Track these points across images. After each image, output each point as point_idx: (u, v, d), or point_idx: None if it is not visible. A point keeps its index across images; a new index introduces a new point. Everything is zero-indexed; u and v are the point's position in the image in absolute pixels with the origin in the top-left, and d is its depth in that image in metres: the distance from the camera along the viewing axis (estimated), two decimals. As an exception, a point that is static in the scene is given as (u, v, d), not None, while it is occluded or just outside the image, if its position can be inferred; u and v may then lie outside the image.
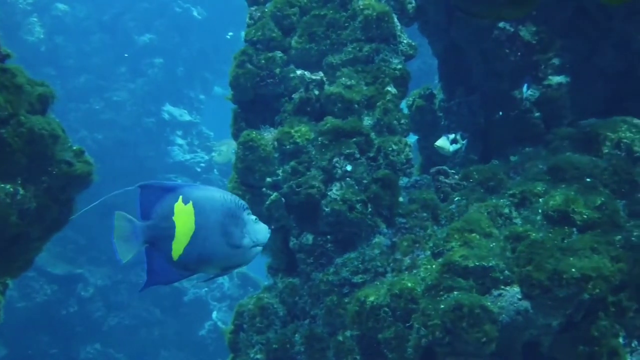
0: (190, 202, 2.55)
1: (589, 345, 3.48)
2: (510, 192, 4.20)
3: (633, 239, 3.69)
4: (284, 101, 4.76)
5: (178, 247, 2.53)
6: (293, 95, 4.73)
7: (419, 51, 5.28)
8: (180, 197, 2.55)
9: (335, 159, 4.42)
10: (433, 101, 5.97)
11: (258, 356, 4.37)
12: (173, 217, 2.53)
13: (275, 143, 4.56)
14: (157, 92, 14.78)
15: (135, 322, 12.56)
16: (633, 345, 3.62)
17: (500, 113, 5.26)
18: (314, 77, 4.70)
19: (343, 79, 4.70)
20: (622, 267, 3.50)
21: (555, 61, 5.09)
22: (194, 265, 2.60)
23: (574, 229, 3.78)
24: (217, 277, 2.82)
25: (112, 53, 14.68)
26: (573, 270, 3.42)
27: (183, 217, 2.54)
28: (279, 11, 4.89)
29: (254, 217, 2.70)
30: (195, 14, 16.44)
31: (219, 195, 2.63)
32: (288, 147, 4.51)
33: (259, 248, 2.72)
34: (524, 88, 5.02)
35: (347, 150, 4.43)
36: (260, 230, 2.70)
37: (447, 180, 4.67)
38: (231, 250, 2.63)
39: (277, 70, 4.77)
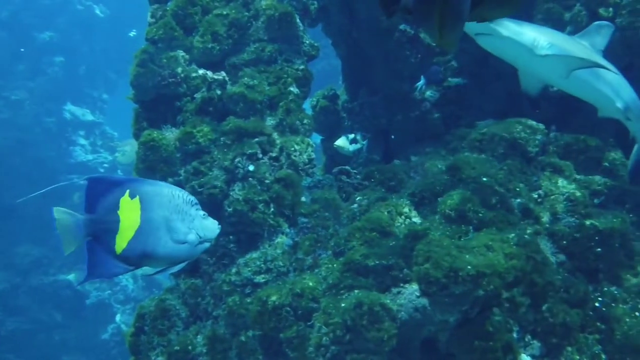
0: (137, 197, 2.57)
1: (484, 340, 3.56)
2: (410, 191, 4.27)
3: (526, 236, 3.80)
4: (186, 101, 4.71)
5: (122, 241, 2.56)
6: (195, 95, 4.69)
7: (323, 52, 5.32)
8: (128, 191, 2.57)
9: (237, 159, 4.40)
10: (337, 102, 6.02)
11: (159, 358, 4.30)
12: (118, 211, 2.55)
13: (177, 143, 4.51)
14: (58, 91, 14.45)
15: (35, 327, 12.24)
16: (526, 339, 3.73)
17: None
18: (216, 77, 4.67)
19: (245, 79, 4.69)
20: (515, 264, 3.60)
21: (454, 63, 5.21)
22: (137, 260, 2.62)
23: (471, 228, 3.87)
24: (164, 271, 2.80)
25: (10, 51, 14.25)
26: (469, 267, 3.49)
27: (128, 211, 2.56)
28: (181, 10, 4.84)
29: (202, 212, 2.72)
30: (97, 12, 16.16)
31: (167, 191, 2.65)
32: (190, 147, 4.47)
33: (207, 244, 2.75)
34: (421, 82, 5.10)
35: (250, 150, 4.42)
36: (208, 226, 2.73)
37: (349, 180, 4.72)
38: (176, 246, 2.66)
39: (179, 70, 4.72)
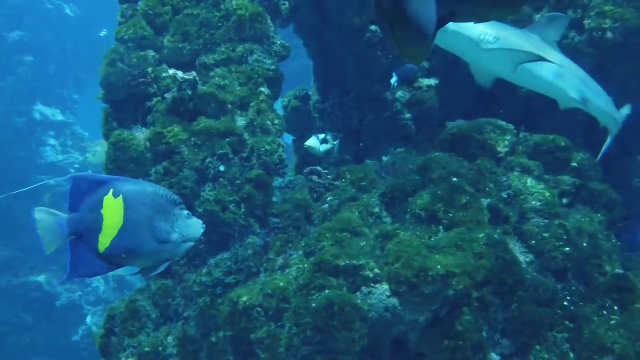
0: (121, 196, 2.59)
1: (453, 340, 3.58)
2: (381, 191, 4.29)
3: (496, 236, 3.83)
4: (156, 101, 4.69)
5: (105, 240, 2.57)
6: (165, 95, 4.67)
7: (295, 52, 5.32)
8: (111, 190, 2.58)
9: (208, 159, 4.39)
10: (308, 102, 6.03)
11: (130, 359, 4.29)
12: (102, 210, 2.57)
13: (148, 143, 4.49)
14: (28, 90, 14.32)
15: (5, 329, 12.13)
16: (496, 338, 3.76)
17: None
18: (186, 77, 4.65)
19: (216, 79, 4.68)
20: (485, 264, 3.63)
21: (425, 64, 5.23)
22: (120, 259, 2.63)
23: (441, 227, 3.89)
24: (153, 271, 2.82)
25: (-23, 50, 14.13)
26: (438, 267, 3.51)
27: (112, 210, 2.57)
28: (151, 9, 4.82)
29: (186, 212, 2.74)
30: (67, 11, 16.03)
31: (151, 190, 2.68)
32: (160, 147, 4.45)
33: (190, 243, 2.77)
34: (393, 79, 5.11)
35: (220, 151, 4.41)
36: (191, 226, 2.76)
37: (320, 180, 4.72)
38: (159, 245, 2.67)
39: (149, 70, 4.70)
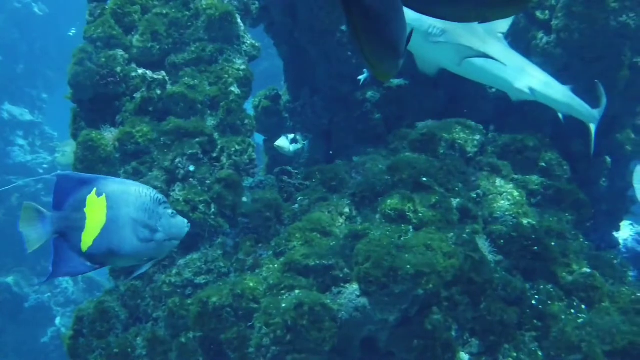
0: (104, 195, 2.61)
1: (423, 339, 3.60)
2: (351, 191, 4.29)
3: (465, 236, 3.85)
4: (125, 100, 4.65)
5: (88, 239, 2.59)
6: (135, 95, 4.63)
7: (267, 52, 5.31)
8: (95, 189, 2.61)
9: (177, 160, 4.37)
10: (279, 102, 6.02)
11: (98, 361, 4.25)
12: (85, 209, 2.59)
13: (117, 143, 4.46)
14: (-4, 90, 14.17)
15: (-28, 331, 11.99)
16: (465, 337, 3.78)
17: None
18: (156, 77, 4.63)
19: (186, 78, 4.66)
20: (454, 263, 3.64)
21: (395, 64, 5.24)
22: (103, 258, 2.66)
23: (410, 227, 3.90)
24: (142, 270, 2.84)
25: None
26: (408, 266, 3.52)
27: (95, 209, 2.60)
28: (120, 9, 4.78)
29: (170, 211, 2.77)
30: (36, 10, 15.89)
31: (135, 189, 2.69)
32: (129, 147, 4.42)
33: (175, 242, 2.82)
34: (364, 75, 5.11)
35: (190, 151, 4.39)
36: (175, 225, 2.79)
37: (290, 181, 4.72)
38: (142, 244, 2.70)
39: (118, 69, 4.66)
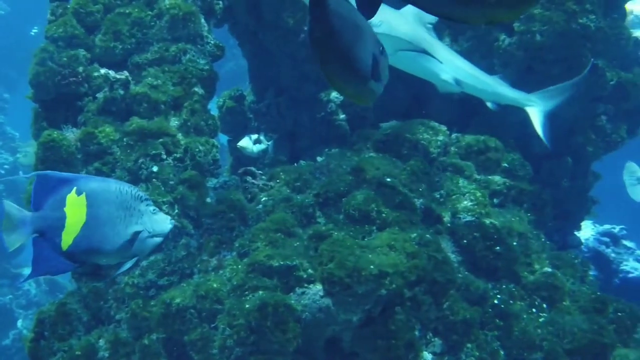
0: (84, 194, 2.62)
1: (386, 339, 3.62)
2: (315, 192, 4.29)
3: (428, 236, 3.88)
4: (87, 101, 4.61)
5: (67, 238, 2.61)
6: (97, 95, 4.59)
7: (231, 53, 5.29)
8: (75, 188, 2.62)
9: (141, 160, 4.34)
10: (243, 102, 6.01)
11: (60, 364, 4.21)
12: (65, 208, 2.60)
13: (79, 144, 4.41)
14: (-44, 90, 13.97)
15: None
16: (428, 337, 3.80)
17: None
18: (118, 77, 4.59)
19: (149, 78, 4.62)
20: (417, 263, 3.66)
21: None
22: (84, 256, 2.67)
23: (374, 227, 3.92)
24: (125, 267, 2.87)
25: None
26: (371, 267, 3.53)
27: (74, 208, 2.61)
28: (82, 8, 4.73)
29: (152, 208, 2.78)
30: (-3, 8, 15.68)
31: (115, 187, 2.71)
32: (92, 147, 4.38)
33: (158, 239, 2.82)
34: None
35: (153, 151, 4.36)
36: (158, 221, 2.80)
37: (254, 181, 4.70)
38: (123, 242, 2.71)
39: (80, 69, 4.61)
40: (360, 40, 1.78)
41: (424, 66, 4.51)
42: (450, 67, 4.57)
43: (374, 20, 4.28)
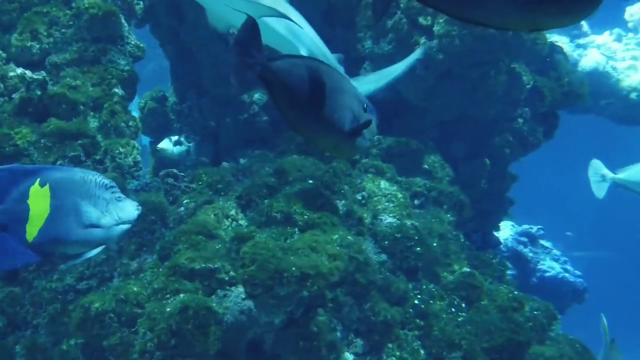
0: (47, 185, 2.58)
1: (308, 341, 3.63)
2: (237, 194, 4.28)
3: (349, 237, 3.90)
4: (2, 101, 4.50)
5: (32, 229, 2.56)
6: (13, 95, 4.48)
7: (154, 53, 5.23)
8: (38, 179, 2.58)
9: (59, 162, 4.26)
10: (165, 104, 5.96)
11: (-26, 371, 4.10)
12: (28, 201, 2.56)
13: (-6, 145, 4.31)
14: None
15: None
16: (350, 338, 3.83)
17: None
18: (35, 77, 4.49)
19: (68, 79, 4.54)
20: (339, 265, 3.68)
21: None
22: (50, 247, 2.63)
23: (296, 229, 3.93)
24: (89, 255, 2.76)
25: None
26: (293, 269, 3.54)
27: (38, 199, 2.57)
28: (-2, 6, 4.63)
29: (118, 195, 2.73)
30: None
31: (80, 177, 2.67)
32: (8, 149, 4.27)
33: (125, 226, 2.76)
34: None
35: (72, 153, 4.29)
36: (124, 208, 2.74)
37: (176, 183, 4.66)
38: (89, 231, 2.66)
39: (-4, 69, 4.51)
40: (332, 98, 1.75)
41: (284, 38, 4.43)
42: (309, 43, 4.54)
43: None
